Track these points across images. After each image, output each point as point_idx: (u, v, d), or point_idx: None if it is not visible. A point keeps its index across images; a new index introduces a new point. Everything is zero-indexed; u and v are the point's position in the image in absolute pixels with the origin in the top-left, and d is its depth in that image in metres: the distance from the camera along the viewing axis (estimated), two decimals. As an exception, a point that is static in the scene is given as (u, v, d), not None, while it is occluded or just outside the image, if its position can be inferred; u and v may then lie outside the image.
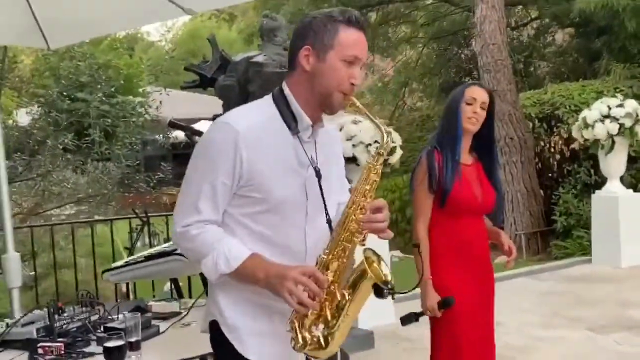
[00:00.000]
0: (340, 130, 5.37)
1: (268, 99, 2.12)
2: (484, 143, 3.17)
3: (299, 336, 1.97)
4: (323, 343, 1.97)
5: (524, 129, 10.71)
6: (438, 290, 3.00)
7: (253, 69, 4.43)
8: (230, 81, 4.58)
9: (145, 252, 3.35)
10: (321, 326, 1.98)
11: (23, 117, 9.86)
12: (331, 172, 2.19)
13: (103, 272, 3.34)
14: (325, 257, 2.01)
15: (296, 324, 1.98)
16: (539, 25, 17.65)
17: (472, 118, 3.03)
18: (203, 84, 4.87)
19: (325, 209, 2.11)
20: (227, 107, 4.68)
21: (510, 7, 15.51)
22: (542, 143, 10.90)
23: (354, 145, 5.36)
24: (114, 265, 3.37)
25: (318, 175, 2.08)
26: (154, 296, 5.31)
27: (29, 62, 15.34)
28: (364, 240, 2.03)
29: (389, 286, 1.99)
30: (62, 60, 10.15)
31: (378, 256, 2.05)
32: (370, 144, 5.36)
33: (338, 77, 2.00)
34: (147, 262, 3.13)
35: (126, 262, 3.28)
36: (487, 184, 3.14)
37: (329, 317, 1.98)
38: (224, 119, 2.06)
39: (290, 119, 2.06)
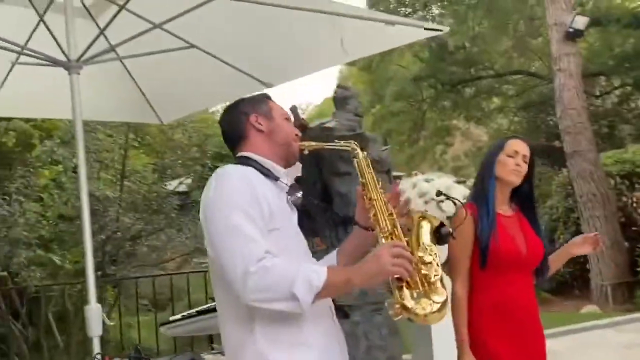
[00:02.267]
0: (414, 188, 4.88)
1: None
2: (525, 196, 2.63)
3: (414, 304, 1.68)
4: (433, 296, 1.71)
5: (606, 186, 9.82)
6: (478, 353, 2.43)
7: (325, 134, 4.09)
8: (305, 145, 4.27)
9: (200, 308, 3.01)
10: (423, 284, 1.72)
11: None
12: None
13: (160, 325, 3.01)
14: (383, 232, 1.79)
15: (405, 299, 1.68)
16: (621, 93, 16.43)
17: (515, 171, 2.52)
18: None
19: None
20: (305, 170, 4.36)
21: (593, 77, 14.51)
22: (624, 198, 9.92)
23: (425, 202, 4.84)
24: (171, 318, 3.05)
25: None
26: (212, 348, 4.75)
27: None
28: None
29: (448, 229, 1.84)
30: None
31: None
32: (442, 201, 4.82)
33: (288, 129, 2.01)
34: (199, 317, 2.79)
35: (182, 315, 2.96)
36: (533, 235, 2.58)
37: (425, 275, 1.74)
38: (221, 170, 1.84)
39: (266, 171, 1.91)
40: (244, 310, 1.69)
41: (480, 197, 2.55)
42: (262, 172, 1.88)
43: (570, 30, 9.59)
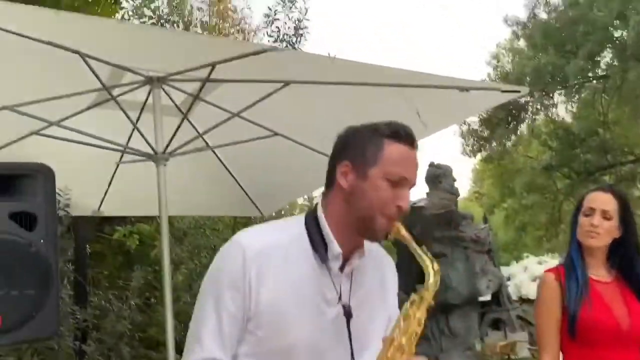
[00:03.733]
0: (525, 270, 4.46)
1: (300, 219, 1.54)
2: (623, 255, 2.22)
3: None
4: None
5: None
6: None
7: (415, 214, 3.92)
8: (399, 228, 4.09)
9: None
10: None
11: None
12: (373, 314, 1.53)
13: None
14: None
15: None
16: None
17: (590, 232, 2.16)
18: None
19: (352, 357, 1.46)
20: (399, 254, 4.16)
21: None
22: None
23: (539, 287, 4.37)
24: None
25: (347, 314, 1.46)
26: None
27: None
28: None
29: None
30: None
31: None
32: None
33: (382, 198, 1.43)
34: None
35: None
36: (637, 305, 2.16)
37: None
38: (236, 237, 1.51)
39: (319, 244, 1.47)
40: None
41: (568, 261, 2.23)
42: (313, 245, 1.47)
43: None
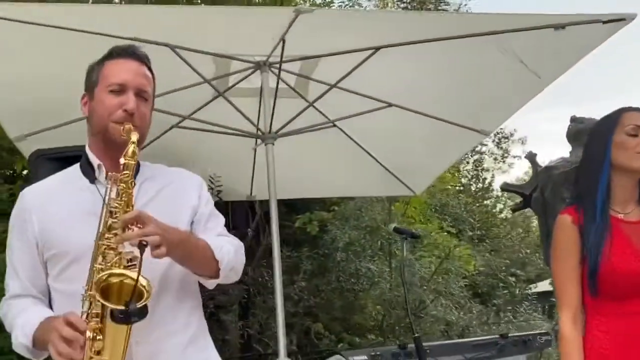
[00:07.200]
0: None
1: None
2: None
3: None
4: None
5: None
6: None
7: (546, 175, 3.58)
8: (536, 194, 3.77)
9: None
10: None
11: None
12: (167, 209, 1.68)
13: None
14: (85, 293, 1.51)
15: None
16: None
17: None
18: (526, 203, 4.09)
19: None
20: (539, 223, 3.86)
21: None
22: None
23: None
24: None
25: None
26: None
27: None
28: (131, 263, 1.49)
29: (130, 309, 1.38)
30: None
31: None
32: None
33: (107, 107, 1.65)
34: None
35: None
36: None
37: None
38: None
39: (87, 170, 1.73)
40: None
41: (587, 195, 1.88)
42: (83, 172, 1.74)
43: None
